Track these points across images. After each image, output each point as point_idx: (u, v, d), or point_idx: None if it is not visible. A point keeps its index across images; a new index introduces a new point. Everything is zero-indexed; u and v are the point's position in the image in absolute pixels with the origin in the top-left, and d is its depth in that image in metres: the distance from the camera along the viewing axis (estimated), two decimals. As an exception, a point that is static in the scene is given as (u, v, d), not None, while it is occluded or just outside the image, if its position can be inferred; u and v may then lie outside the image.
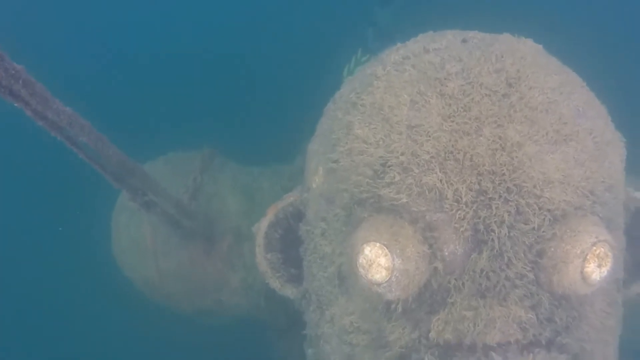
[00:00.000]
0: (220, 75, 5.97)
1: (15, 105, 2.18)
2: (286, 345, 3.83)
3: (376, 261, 2.09)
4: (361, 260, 2.12)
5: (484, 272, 2.13)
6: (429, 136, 2.22)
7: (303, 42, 6.22)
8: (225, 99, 5.83)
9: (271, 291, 3.26)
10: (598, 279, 2.12)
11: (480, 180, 2.14)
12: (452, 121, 2.21)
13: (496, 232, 2.12)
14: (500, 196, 2.13)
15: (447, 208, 2.14)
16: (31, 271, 5.41)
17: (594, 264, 2.10)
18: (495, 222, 2.12)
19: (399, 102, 2.32)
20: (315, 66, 5.27)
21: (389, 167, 2.24)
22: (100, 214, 4.16)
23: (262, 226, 2.80)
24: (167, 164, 4.09)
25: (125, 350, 5.05)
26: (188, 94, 5.83)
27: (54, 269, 5.22)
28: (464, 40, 2.47)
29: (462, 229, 2.13)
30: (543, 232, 2.14)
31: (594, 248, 2.10)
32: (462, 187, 2.14)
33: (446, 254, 2.15)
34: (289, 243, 2.84)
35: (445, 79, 2.29)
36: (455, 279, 2.15)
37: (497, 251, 2.13)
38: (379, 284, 2.13)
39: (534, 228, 2.13)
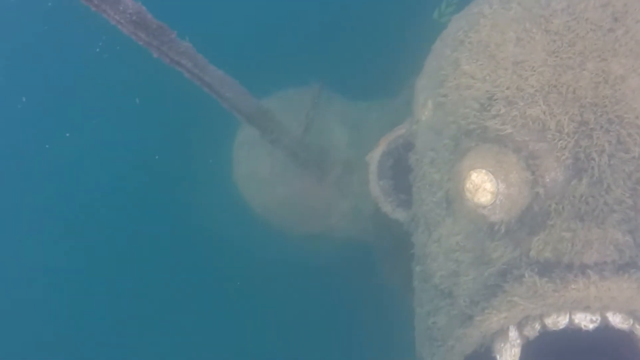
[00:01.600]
0: (323, 12, 6.17)
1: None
2: (390, 266, 4.16)
3: (482, 186, 2.32)
4: (468, 185, 2.36)
5: (584, 197, 2.30)
6: (534, 71, 2.37)
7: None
8: (329, 36, 6.04)
9: (379, 216, 3.58)
10: None
11: (583, 112, 2.29)
12: (557, 56, 2.35)
13: (596, 160, 2.27)
14: (601, 127, 2.27)
15: (549, 138, 2.31)
16: (157, 195, 5.97)
17: None
18: (595, 151, 2.27)
19: (505, 39, 2.48)
20: (407, 7, 5.37)
21: (495, 100, 2.43)
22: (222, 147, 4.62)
23: (376, 155, 3.08)
24: (278, 100, 4.40)
25: (242, 270, 5.55)
26: (293, 30, 6.08)
27: (181, 195, 5.78)
28: None
29: (563, 157, 2.30)
30: None
31: None
32: (565, 119, 2.30)
33: (547, 180, 2.33)
34: (399, 171, 3.11)
35: (550, 15, 2.41)
36: (556, 203, 2.34)
37: (596, 178, 2.29)
38: (484, 207, 2.36)
39: (634, 157, 2.27)
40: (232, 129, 4.52)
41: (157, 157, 5.78)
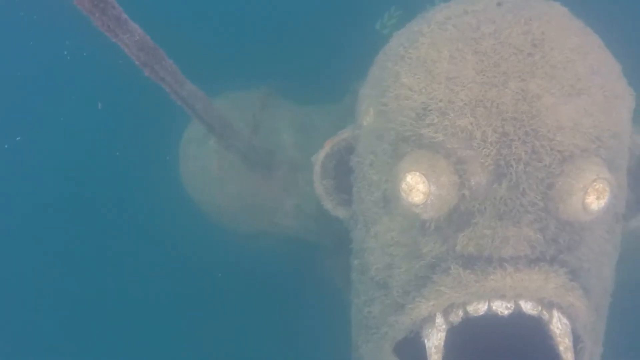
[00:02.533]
0: (271, 23, 6.37)
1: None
2: (331, 263, 4.41)
3: (416, 187, 2.59)
4: (403, 185, 2.62)
5: (503, 199, 2.61)
6: (464, 86, 2.67)
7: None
8: (277, 42, 6.24)
9: (322, 215, 3.81)
10: (596, 209, 2.58)
11: (504, 124, 2.60)
12: (484, 75, 2.65)
13: (514, 167, 2.59)
14: (519, 138, 2.59)
15: (475, 146, 2.61)
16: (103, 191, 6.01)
17: (593, 196, 2.55)
18: (514, 159, 2.58)
19: (440, 57, 2.76)
20: (351, 18, 5.66)
21: (429, 111, 2.71)
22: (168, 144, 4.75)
23: (320, 156, 3.33)
24: (227, 101, 4.56)
25: (185, 270, 5.67)
26: (243, 36, 6.24)
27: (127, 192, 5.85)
28: (498, 4, 2.86)
29: (486, 164, 2.61)
30: (553, 168, 2.59)
31: (594, 183, 2.54)
32: (489, 130, 2.60)
33: (472, 183, 2.63)
34: (342, 172, 3.36)
35: (480, 38, 2.71)
36: (479, 204, 2.64)
37: (514, 183, 2.60)
38: (417, 206, 2.63)
39: (545, 165, 2.59)
40: (179, 126, 4.65)
41: (117, 153, 5.83)
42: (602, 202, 2.57)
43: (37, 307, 6.24)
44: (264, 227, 4.52)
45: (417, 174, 2.58)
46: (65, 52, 5.93)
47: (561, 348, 2.70)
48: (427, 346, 2.73)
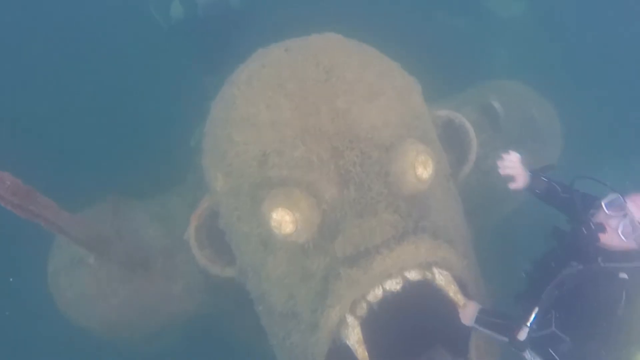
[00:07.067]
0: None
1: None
2: (239, 323, 4.55)
3: (283, 220, 2.92)
4: (273, 223, 2.95)
5: (356, 200, 3.04)
6: (287, 125, 3.10)
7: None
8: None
9: (210, 284, 4.01)
10: (427, 177, 3.09)
11: (331, 141, 3.06)
12: (299, 110, 3.10)
13: (353, 170, 3.04)
14: (347, 147, 3.05)
15: (316, 168, 3.03)
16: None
17: (421, 168, 3.06)
18: (350, 164, 3.04)
19: (259, 109, 3.18)
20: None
21: (267, 155, 3.10)
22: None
23: (191, 231, 3.56)
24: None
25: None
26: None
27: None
28: (286, 50, 3.36)
29: (331, 177, 3.03)
30: (382, 160, 3.08)
31: (418, 158, 3.06)
32: (321, 150, 3.04)
33: (327, 197, 3.04)
34: (215, 238, 3.61)
35: (283, 83, 3.17)
36: (339, 212, 3.04)
37: (359, 183, 3.05)
38: (290, 235, 2.97)
39: (376, 160, 3.08)
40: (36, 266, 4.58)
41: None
42: (430, 169, 3.09)
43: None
44: (161, 323, 4.53)
45: (280, 209, 2.92)
46: None
47: (451, 294, 3.17)
48: (350, 345, 3.04)
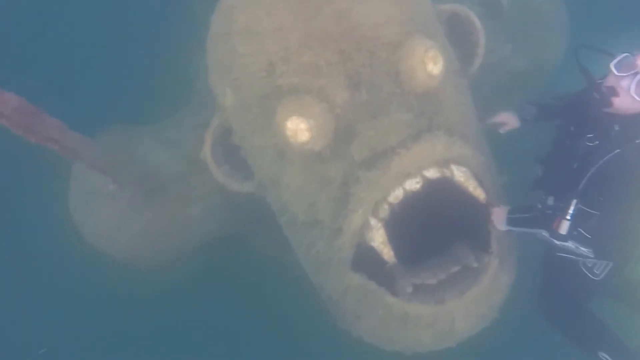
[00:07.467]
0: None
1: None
2: (261, 240, 4.63)
3: (298, 128, 2.91)
4: (288, 132, 2.94)
5: (368, 101, 3.02)
6: (291, 30, 3.02)
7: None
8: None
9: (229, 202, 4.03)
10: (438, 72, 3.05)
11: (337, 44, 2.99)
12: (300, 14, 3.02)
13: (363, 72, 3.00)
14: (354, 49, 2.99)
15: (325, 72, 2.98)
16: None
17: (431, 63, 3.01)
18: (360, 66, 2.99)
19: (259, 17, 3.09)
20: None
21: (274, 64, 3.05)
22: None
23: (207, 149, 3.55)
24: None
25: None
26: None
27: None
28: None
29: (341, 81, 2.99)
30: (391, 58, 3.03)
31: (427, 53, 3.01)
32: (328, 54, 2.98)
33: (339, 101, 3.01)
34: (231, 154, 3.61)
35: None
36: (353, 115, 3.02)
37: (370, 84, 3.01)
38: (307, 143, 2.97)
39: (384, 58, 3.02)
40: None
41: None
42: (440, 65, 3.05)
43: None
44: (184, 246, 4.59)
45: (294, 117, 2.91)
46: None
47: (470, 189, 3.19)
48: (376, 247, 3.10)
